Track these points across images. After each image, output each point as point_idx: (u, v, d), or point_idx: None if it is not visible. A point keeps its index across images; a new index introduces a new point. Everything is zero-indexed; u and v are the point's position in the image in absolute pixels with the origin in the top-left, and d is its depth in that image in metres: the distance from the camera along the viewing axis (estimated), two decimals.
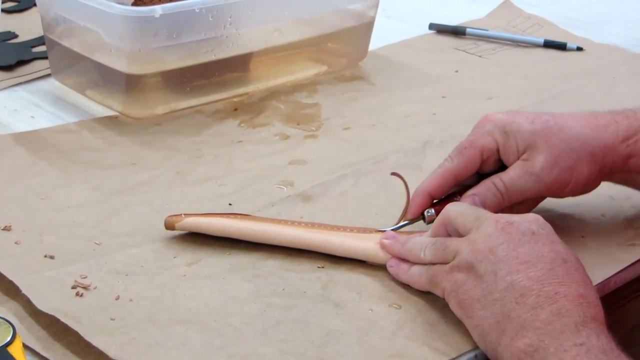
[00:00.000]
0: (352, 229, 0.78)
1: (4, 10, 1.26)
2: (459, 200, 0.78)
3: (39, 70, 1.10)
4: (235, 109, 1.04)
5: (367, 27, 1.16)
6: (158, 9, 0.94)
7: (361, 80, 1.14)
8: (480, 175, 0.80)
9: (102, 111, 1.02)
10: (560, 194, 0.79)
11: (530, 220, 0.69)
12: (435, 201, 0.79)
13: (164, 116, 1.01)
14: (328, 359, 0.66)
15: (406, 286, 0.73)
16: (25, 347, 0.66)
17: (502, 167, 0.79)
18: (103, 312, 0.69)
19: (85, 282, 0.72)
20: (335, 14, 1.13)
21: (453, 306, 0.68)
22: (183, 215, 0.78)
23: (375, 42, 1.19)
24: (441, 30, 1.29)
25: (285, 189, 0.88)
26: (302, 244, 0.77)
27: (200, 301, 0.71)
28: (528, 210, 0.78)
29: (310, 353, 0.66)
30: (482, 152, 0.78)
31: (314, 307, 0.71)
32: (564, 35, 1.29)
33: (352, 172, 0.90)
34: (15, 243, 0.77)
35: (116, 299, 0.70)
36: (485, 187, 0.78)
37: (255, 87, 1.08)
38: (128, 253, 0.76)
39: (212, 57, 1.01)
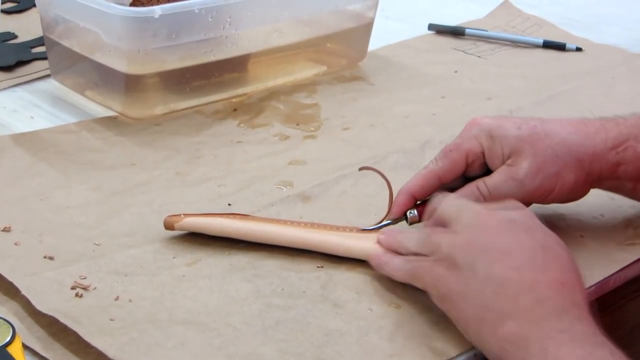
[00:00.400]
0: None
1: (4, 11, 1.26)
2: None
3: (38, 71, 1.10)
4: (235, 110, 1.04)
5: (366, 28, 1.16)
6: (157, 10, 0.94)
7: (360, 81, 1.14)
8: (466, 179, 0.80)
9: (101, 111, 1.02)
10: (544, 200, 0.79)
11: (509, 207, 0.69)
12: (418, 202, 0.79)
13: (164, 116, 1.01)
14: (327, 358, 0.66)
15: (405, 286, 0.73)
16: (25, 347, 0.66)
17: (488, 171, 0.79)
18: (102, 312, 0.69)
19: (85, 282, 0.72)
20: (335, 14, 1.13)
21: (435, 300, 0.69)
22: (182, 216, 0.78)
23: (375, 43, 1.19)
24: (440, 30, 1.29)
25: (284, 189, 0.88)
26: (301, 244, 0.77)
27: (200, 301, 0.71)
28: None
29: (310, 353, 0.66)
30: (467, 155, 0.78)
31: (314, 307, 0.71)
32: (563, 35, 1.29)
33: (351, 173, 0.90)
34: (15, 244, 0.77)
35: (115, 300, 0.70)
36: (468, 191, 0.78)
37: (254, 87, 1.08)
38: (127, 253, 0.76)
39: (212, 58, 1.02)
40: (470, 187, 0.78)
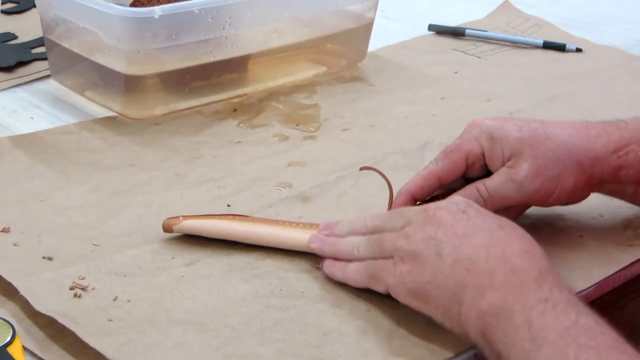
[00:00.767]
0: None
1: (4, 12, 1.26)
2: None
3: (38, 72, 1.10)
4: (235, 110, 1.04)
5: (366, 28, 1.16)
6: (157, 10, 0.94)
7: (360, 81, 1.14)
8: (466, 180, 0.80)
9: (101, 112, 1.02)
10: (544, 203, 0.79)
11: (456, 201, 0.70)
12: (418, 203, 0.79)
13: (163, 117, 1.01)
14: (326, 359, 0.66)
15: None
16: (24, 348, 0.66)
17: (489, 172, 0.79)
18: (101, 313, 0.69)
19: (84, 283, 0.72)
20: (335, 15, 1.13)
21: (404, 298, 0.68)
22: (181, 218, 0.78)
23: (375, 43, 1.19)
24: (440, 31, 1.29)
25: (284, 190, 0.88)
26: (299, 247, 0.77)
27: (199, 302, 0.71)
28: (513, 217, 0.76)
29: (308, 353, 0.66)
30: (467, 156, 0.78)
31: (312, 307, 0.71)
32: (564, 36, 1.29)
33: (351, 173, 0.90)
34: (14, 245, 0.77)
35: (114, 300, 0.70)
36: (468, 192, 0.78)
37: (254, 87, 1.08)
38: (126, 254, 0.76)
39: (212, 58, 1.02)
40: (470, 188, 0.78)
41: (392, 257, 0.69)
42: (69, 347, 0.66)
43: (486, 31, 1.29)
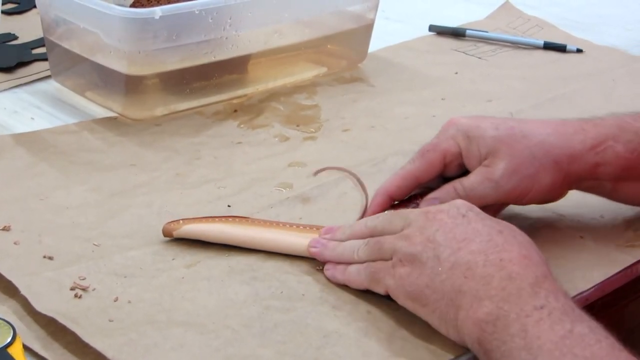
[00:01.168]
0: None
1: (4, 12, 1.26)
2: (419, 203, 0.78)
3: (39, 72, 1.10)
4: (235, 111, 1.04)
5: (366, 29, 1.16)
6: (158, 11, 0.94)
7: (361, 82, 1.14)
8: (444, 179, 0.79)
9: (101, 112, 1.02)
10: (521, 201, 0.79)
11: (457, 205, 0.70)
12: (395, 202, 0.79)
13: (164, 117, 1.01)
14: None
15: None
16: (24, 346, 0.66)
17: (466, 171, 0.79)
18: (101, 313, 0.69)
19: (84, 283, 0.72)
20: (335, 15, 1.13)
21: (403, 301, 0.69)
22: (181, 222, 0.78)
23: (375, 44, 1.19)
24: (441, 31, 1.29)
25: (284, 191, 0.88)
26: (299, 252, 0.77)
27: (199, 303, 0.71)
28: (492, 215, 0.75)
29: (309, 355, 0.66)
30: (444, 155, 0.78)
31: (313, 309, 0.71)
32: (564, 37, 1.29)
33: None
34: (14, 243, 0.77)
35: (114, 301, 0.70)
36: (445, 191, 0.78)
37: (254, 88, 1.08)
38: (127, 255, 0.76)
39: (212, 59, 1.02)
40: (448, 187, 0.78)
41: (391, 258, 0.69)
42: (69, 346, 0.66)
43: (487, 32, 1.29)
